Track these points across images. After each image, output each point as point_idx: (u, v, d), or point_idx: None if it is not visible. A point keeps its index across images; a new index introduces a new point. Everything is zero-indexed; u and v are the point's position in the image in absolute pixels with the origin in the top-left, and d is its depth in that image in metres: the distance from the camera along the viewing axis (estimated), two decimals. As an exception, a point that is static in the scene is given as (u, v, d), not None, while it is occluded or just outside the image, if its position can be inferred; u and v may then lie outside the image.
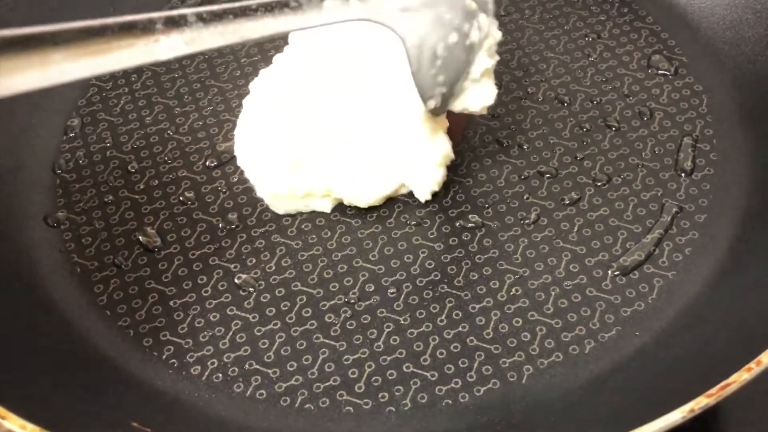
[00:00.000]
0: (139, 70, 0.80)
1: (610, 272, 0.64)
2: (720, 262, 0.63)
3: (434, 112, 0.64)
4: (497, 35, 0.64)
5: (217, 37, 0.49)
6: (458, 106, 0.65)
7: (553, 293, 0.63)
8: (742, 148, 0.70)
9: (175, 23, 0.47)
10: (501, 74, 0.77)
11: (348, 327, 0.62)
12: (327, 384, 0.59)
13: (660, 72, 0.76)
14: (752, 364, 0.48)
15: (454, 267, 0.65)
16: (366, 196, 0.67)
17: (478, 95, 0.64)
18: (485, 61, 0.63)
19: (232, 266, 0.66)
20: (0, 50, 0.41)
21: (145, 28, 0.46)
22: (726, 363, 0.52)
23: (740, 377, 0.48)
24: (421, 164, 0.66)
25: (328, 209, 0.68)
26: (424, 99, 0.62)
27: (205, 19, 0.48)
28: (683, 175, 0.69)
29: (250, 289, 0.65)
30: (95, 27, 0.44)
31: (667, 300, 0.62)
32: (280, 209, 0.68)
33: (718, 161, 0.70)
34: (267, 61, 0.79)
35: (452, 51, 0.60)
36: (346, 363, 0.60)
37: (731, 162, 0.70)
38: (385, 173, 0.66)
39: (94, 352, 0.62)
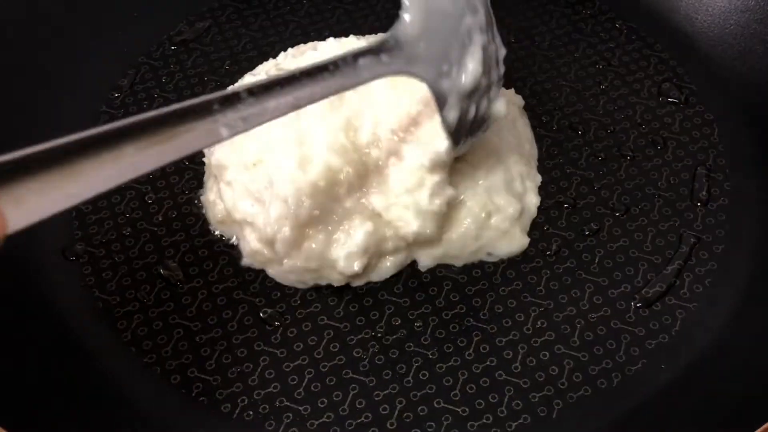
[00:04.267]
0: (150, 97, 0.79)
1: (633, 304, 0.65)
2: (741, 293, 0.65)
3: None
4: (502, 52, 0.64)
5: (269, 110, 0.49)
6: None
7: (578, 326, 0.64)
8: (755, 177, 0.72)
9: (229, 102, 0.47)
10: (515, 102, 0.77)
11: (377, 362, 0.62)
12: (359, 421, 0.59)
13: (670, 100, 0.78)
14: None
15: (478, 300, 0.65)
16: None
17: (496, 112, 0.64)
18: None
19: (257, 300, 0.66)
20: (77, 153, 0.41)
21: (203, 111, 0.46)
22: (760, 399, 0.53)
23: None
24: None
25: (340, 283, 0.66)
26: (456, 142, 0.62)
27: (255, 94, 0.49)
28: (699, 204, 0.70)
29: (276, 323, 0.64)
30: (160, 116, 0.45)
31: (691, 332, 0.63)
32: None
33: (733, 191, 0.71)
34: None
35: (482, 88, 0.61)
36: (376, 399, 0.60)
37: (745, 191, 0.71)
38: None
39: (121, 391, 0.61)
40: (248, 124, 0.48)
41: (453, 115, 0.60)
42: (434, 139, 0.63)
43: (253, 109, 0.48)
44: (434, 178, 0.64)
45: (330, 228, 0.63)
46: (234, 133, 0.47)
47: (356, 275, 0.65)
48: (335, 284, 0.65)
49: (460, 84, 0.59)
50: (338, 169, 0.63)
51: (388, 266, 0.66)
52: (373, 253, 0.64)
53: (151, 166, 0.44)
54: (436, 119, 0.61)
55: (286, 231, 0.63)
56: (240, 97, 0.48)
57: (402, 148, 0.64)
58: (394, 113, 0.65)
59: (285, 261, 0.64)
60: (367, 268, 0.65)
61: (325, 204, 0.63)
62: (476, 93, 0.60)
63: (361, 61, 0.54)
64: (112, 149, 0.43)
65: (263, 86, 0.49)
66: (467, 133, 0.63)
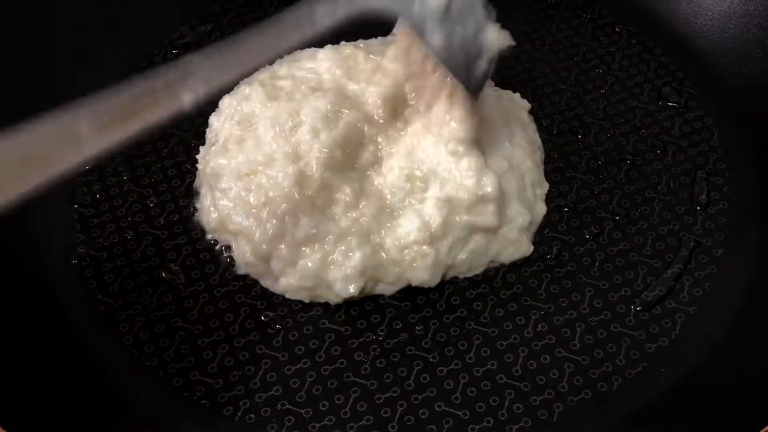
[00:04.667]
0: (151, 101, 0.80)
1: (633, 307, 0.65)
2: (741, 296, 0.65)
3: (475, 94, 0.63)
4: None
5: (231, 67, 0.51)
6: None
7: (578, 329, 0.64)
8: (754, 181, 0.72)
9: (185, 70, 0.50)
10: (515, 106, 0.77)
11: (378, 365, 0.62)
12: (360, 424, 0.60)
13: (670, 104, 0.78)
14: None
15: (479, 303, 0.65)
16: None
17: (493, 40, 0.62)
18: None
19: (258, 303, 0.66)
20: (33, 137, 0.44)
21: (162, 82, 0.49)
22: (760, 403, 0.54)
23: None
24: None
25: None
26: (470, 78, 0.62)
27: (211, 58, 0.50)
28: (699, 208, 0.71)
29: (278, 326, 0.65)
30: (120, 96, 0.47)
31: (691, 335, 0.63)
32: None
33: (732, 195, 0.71)
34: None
35: (459, 6, 0.60)
36: (378, 402, 0.61)
37: (745, 195, 0.71)
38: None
39: (123, 394, 0.61)
40: (210, 85, 0.50)
41: (438, 38, 0.59)
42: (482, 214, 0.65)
43: (211, 71, 0.50)
44: (461, 233, 0.65)
45: (326, 248, 0.63)
46: (197, 96, 0.49)
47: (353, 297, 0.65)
48: (332, 303, 0.65)
49: (429, 3, 0.59)
50: (336, 186, 0.63)
51: (387, 286, 0.66)
52: (370, 277, 0.64)
53: (113, 141, 0.46)
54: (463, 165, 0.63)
55: (282, 249, 0.63)
56: (195, 63, 0.50)
57: (425, 191, 0.65)
58: (394, 130, 0.65)
59: (281, 279, 0.64)
60: (365, 288, 0.65)
61: (322, 223, 0.63)
62: (453, 11, 0.59)
63: (319, 10, 0.55)
64: (70, 131, 0.45)
65: (218, 49, 0.51)
66: (468, 65, 0.61)
